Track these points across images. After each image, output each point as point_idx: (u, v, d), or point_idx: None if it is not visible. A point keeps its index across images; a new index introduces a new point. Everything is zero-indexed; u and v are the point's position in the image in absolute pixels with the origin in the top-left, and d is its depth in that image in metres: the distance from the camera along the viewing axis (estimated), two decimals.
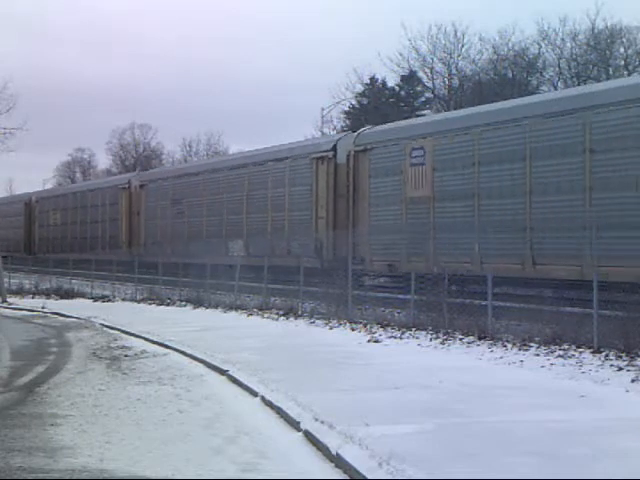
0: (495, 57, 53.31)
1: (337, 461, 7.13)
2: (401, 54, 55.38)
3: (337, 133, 26.47)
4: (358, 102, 58.21)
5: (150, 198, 37.73)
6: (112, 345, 16.17)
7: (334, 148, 25.70)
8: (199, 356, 13.70)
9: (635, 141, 15.75)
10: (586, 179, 16.82)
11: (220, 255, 28.45)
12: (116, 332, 18.44)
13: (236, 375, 11.61)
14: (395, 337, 15.69)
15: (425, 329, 16.12)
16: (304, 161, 26.79)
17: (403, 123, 25.66)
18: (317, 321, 18.98)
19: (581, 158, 16.96)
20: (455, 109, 42.98)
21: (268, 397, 9.88)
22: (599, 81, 41.80)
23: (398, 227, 21.98)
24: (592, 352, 12.74)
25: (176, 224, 35.11)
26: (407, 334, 15.95)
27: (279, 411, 9.24)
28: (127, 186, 40.03)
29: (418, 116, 46.23)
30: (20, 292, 32.45)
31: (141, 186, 38.82)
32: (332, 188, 25.40)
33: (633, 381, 10.51)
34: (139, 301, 27.80)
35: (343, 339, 15.81)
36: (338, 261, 21.94)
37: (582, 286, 15.58)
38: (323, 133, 54.50)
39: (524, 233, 18.09)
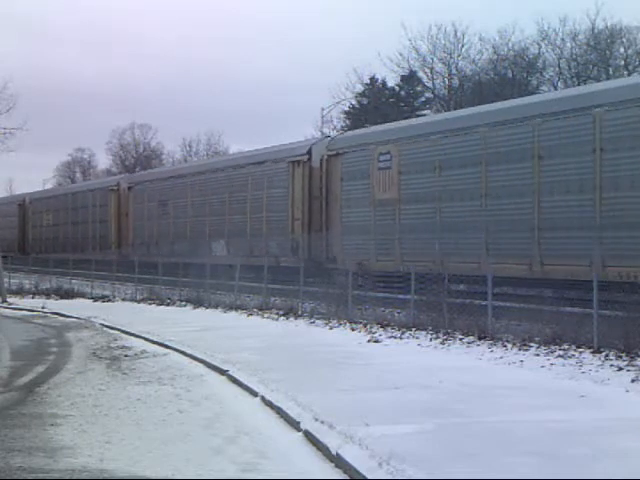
0: (495, 57, 53.33)
1: (337, 461, 7.13)
2: (401, 54, 55.44)
3: (312, 138, 28.30)
4: (358, 102, 58.21)
5: (138, 200, 38.92)
6: (112, 345, 16.17)
7: (309, 152, 26.80)
8: (199, 356, 13.71)
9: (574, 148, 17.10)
10: (535, 183, 18.09)
11: (203, 255, 29.65)
12: (116, 332, 18.44)
13: (236, 375, 11.61)
14: (395, 337, 15.70)
15: (425, 329, 16.12)
16: (281, 165, 27.91)
17: (372, 129, 26.67)
18: (317, 321, 18.99)
19: (530, 163, 18.24)
20: (455, 109, 43.01)
21: (268, 397, 9.88)
22: (599, 81, 41.81)
23: (367, 228, 23.25)
24: (592, 352, 12.74)
25: (162, 225, 36.26)
26: (407, 334, 15.96)
27: (279, 411, 9.24)
28: (116, 188, 41.10)
29: (418, 116, 46.24)
30: (20, 292, 32.44)
31: (129, 188, 40.01)
32: (307, 190, 26.58)
33: (633, 381, 10.51)
34: (139, 301, 27.79)
35: (343, 339, 15.81)
36: (313, 260, 23.01)
37: (581, 286, 15.78)
38: (323, 133, 54.48)
39: (481, 234, 19.20)
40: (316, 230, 25.91)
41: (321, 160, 25.91)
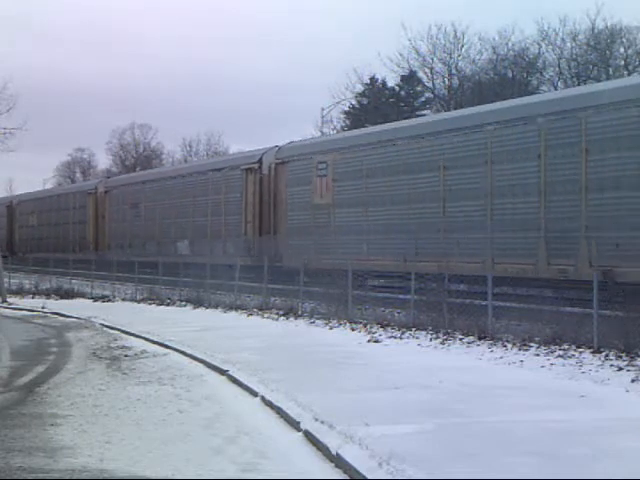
0: (495, 57, 53.33)
1: (337, 461, 7.13)
2: (401, 54, 55.47)
3: (264, 147, 31.28)
4: (358, 102, 58.23)
5: (113, 203, 42.04)
6: (112, 345, 16.17)
7: (260, 161, 29.32)
8: (199, 356, 13.70)
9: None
10: (440, 191, 20.82)
11: (170, 254, 32.99)
12: (116, 332, 18.43)
13: (236, 375, 11.61)
14: (395, 337, 15.69)
15: (425, 329, 16.12)
16: (236, 172, 30.56)
17: (313, 140, 29.49)
18: (317, 321, 18.99)
19: (437, 173, 21.02)
20: (455, 109, 43.03)
21: (268, 397, 9.88)
22: (599, 81, 41.81)
23: (307, 229, 25.98)
24: (592, 352, 12.74)
25: (135, 226, 39.13)
26: (407, 334, 15.96)
27: (279, 411, 9.24)
28: (94, 191, 44.04)
29: (418, 116, 46.26)
30: (20, 292, 32.44)
31: (106, 192, 42.98)
32: (258, 195, 29.14)
33: (633, 381, 10.51)
34: (139, 301, 27.79)
35: (343, 339, 15.81)
36: (263, 259, 25.12)
37: (579, 286, 15.91)
38: (323, 133, 54.53)
39: (407, 235, 21.51)
40: (266, 232, 28.46)
41: (270, 168, 28.52)
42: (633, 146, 16.18)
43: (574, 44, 51.17)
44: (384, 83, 57.68)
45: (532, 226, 18.22)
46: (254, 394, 10.34)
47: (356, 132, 30.18)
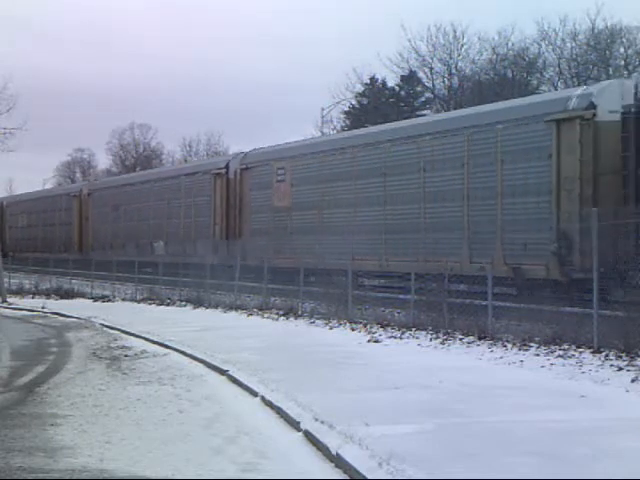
0: (495, 57, 53.31)
1: (337, 461, 7.13)
2: (401, 54, 55.45)
3: (231, 153, 35.67)
4: (358, 102, 58.21)
5: (96, 205, 44.69)
6: (112, 345, 16.17)
7: (227, 166, 31.76)
8: (199, 356, 13.70)
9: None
10: (382, 195, 23.41)
11: (147, 254, 35.39)
12: (116, 332, 18.43)
13: (236, 375, 11.61)
14: (395, 337, 15.69)
15: (425, 329, 16.11)
16: (206, 177, 32.94)
17: (273, 147, 31.24)
18: (317, 321, 18.99)
19: (381, 179, 23.47)
20: (455, 109, 43.01)
21: (268, 397, 9.88)
22: (599, 81, 41.79)
23: (268, 231, 28.42)
24: (592, 352, 12.72)
25: (115, 228, 41.65)
26: (407, 334, 15.95)
27: (279, 411, 9.24)
28: (78, 194, 46.39)
29: (418, 116, 46.25)
30: (20, 292, 32.45)
31: (89, 194, 45.60)
32: (225, 199, 31.49)
33: (633, 381, 10.50)
34: (139, 301, 27.80)
35: (343, 339, 15.81)
36: (230, 259, 26.96)
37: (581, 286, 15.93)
38: (323, 133, 54.51)
39: (357, 236, 23.49)
40: (232, 232, 30.84)
41: (235, 173, 30.98)
42: (539, 157, 18.48)
43: (574, 44, 51.15)
44: (384, 83, 57.67)
45: (457, 228, 20.36)
46: (254, 394, 10.34)
47: (311, 140, 33.20)
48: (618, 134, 17.27)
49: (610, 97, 17.75)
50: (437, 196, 21.23)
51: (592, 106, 17.69)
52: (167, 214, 35.97)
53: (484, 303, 15.58)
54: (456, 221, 20.43)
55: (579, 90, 19.17)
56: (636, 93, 17.25)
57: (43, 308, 25.35)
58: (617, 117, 17.46)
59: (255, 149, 31.51)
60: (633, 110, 17.10)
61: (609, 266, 14.68)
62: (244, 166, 30.53)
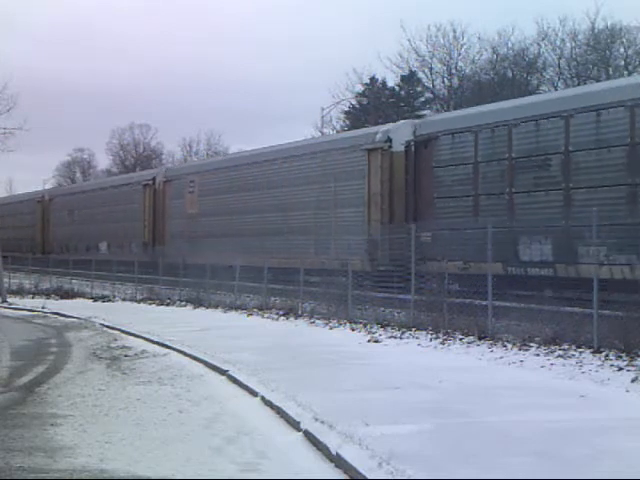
0: (495, 57, 53.31)
1: (337, 461, 7.13)
2: (400, 55, 55.45)
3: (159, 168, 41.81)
4: (358, 102, 58.21)
5: (56, 210, 50.30)
6: (112, 345, 16.17)
7: (154, 179, 37.93)
8: (199, 356, 13.70)
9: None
10: (261, 205, 29.13)
11: (93, 253, 41.05)
12: (116, 332, 18.42)
13: (236, 375, 11.60)
14: (395, 337, 15.70)
15: (425, 329, 16.12)
16: (139, 187, 39.06)
17: (188, 163, 40.39)
18: (317, 321, 18.99)
19: (259, 192, 29.39)
20: (455, 109, 43.05)
21: (268, 397, 9.88)
22: (599, 81, 41.81)
23: (183, 234, 34.32)
24: (592, 352, 12.73)
25: (71, 230, 47.28)
26: (407, 334, 15.96)
27: (279, 411, 9.23)
28: (41, 199, 52.25)
29: (418, 116, 46.23)
30: (20, 292, 32.43)
31: (50, 199, 51.49)
32: (152, 207, 37.46)
33: (633, 381, 10.50)
34: (139, 301, 27.80)
35: (343, 339, 15.81)
36: (155, 257, 32.21)
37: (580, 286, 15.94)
38: (323, 133, 54.49)
39: (239, 238, 28.96)
40: (159, 235, 36.71)
41: (160, 184, 37.20)
42: (358, 177, 24.11)
43: (574, 44, 51.16)
44: (384, 83, 57.67)
45: (308, 232, 26.07)
46: (254, 394, 10.34)
47: (214, 159, 41.39)
48: (404, 161, 22.82)
49: (401, 133, 23.14)
50: (295, 206, 27.01)
51: (389, 140, 23.38)
52: (109, 219, 41.71)
53: (484, 303, 15.58)
54: (308, 226, 26.19)
55: (384, 127, 25.09)
56: (414, 131, 22.60)
57: (43, 308, 25.34)
58: (403, 149, 22.85)
59: (175, 165, 38.83)
60: (412, 144, 22.47)
61: (404, 261, 18.72)
62: (166, 179, 36.94)
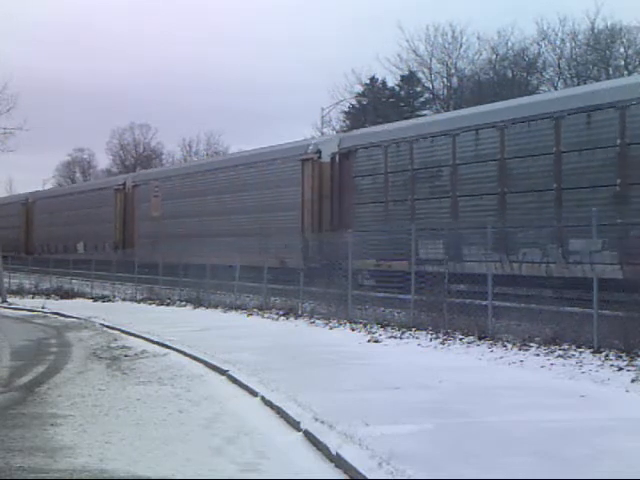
0: (494, 57, 53.30)
1: (337, 461, 7.13)
2: (399, 55, 55.46)
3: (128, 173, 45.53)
4: (358, 102, 58.20)
5: (39, 212, 53.39)
6: (112, 345, 16.17)
7: (124, 183, 41.69)
8: (199, 356, 13.70)
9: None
10: (225, 209, 31.90)
11: (71, 252, 43.55)
12: (116, 332, 18.43)
13: (236, 375, 11.60)
14: (395, 337, 15.69)
15: (425, 329, 16.12)
16: (109, 191, 42.81)
17: (154, 170, 42.92)
18: (317, 321, 18.99)
19: (216, 196, 32.60)
20: (455, 109, 43.03)
21: (268, 397, 9.88)
22: (598, 81, 41.79)
23: (149, 235, 37.22)
24: (592, 352, 12.73)
25: (51, 231, 50.30)
26: (407, 334, 15.96)
27: (279, 411, 9.23)
28: (25, 202, 55.26)
29: (418, 116, 46.24)
30: (20, 292, 32.43)
31: (33, 202, 54.45)
32: (123, 209, 40.99)
33: (633, 381, 10.51)
34: (139, 301, 27.80)
35: (343, 339, 15.81)
36: (125, 256, 35.49)
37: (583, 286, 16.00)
38: (323, 133, 54.50)
39: (202, 239, 30.38)
40: (129, 236, 39.86)
41: (129, 189, 40.73)
42: (295, 184, 27.13)
43: (574, 44, 51.18)
44: (384, 83, 57.68)
45: (254, 234, 28.02)
46: (254, 394, 10.34)
47: (176, 165, 47.21)
48: (330, 171, 25.80)
49: (329, 146, 26.21)
50: (247, 210, 29.92)
51: (319, 152, 26.64)
52: (86, 221, 44.78)
53: (484, 303, 15.58)
54: (254, 228, 28.65)
55: (315, 140, 28.46)
56: (339, 144, 25.58)
57: (43, 308, 25.34)
58: (329, 159, 25.85)
59: (143, 171, 40.67)
60: (337, 155, 25.44)
61: (333, 259, 20.93)
62: (134, 183, 40.38)
